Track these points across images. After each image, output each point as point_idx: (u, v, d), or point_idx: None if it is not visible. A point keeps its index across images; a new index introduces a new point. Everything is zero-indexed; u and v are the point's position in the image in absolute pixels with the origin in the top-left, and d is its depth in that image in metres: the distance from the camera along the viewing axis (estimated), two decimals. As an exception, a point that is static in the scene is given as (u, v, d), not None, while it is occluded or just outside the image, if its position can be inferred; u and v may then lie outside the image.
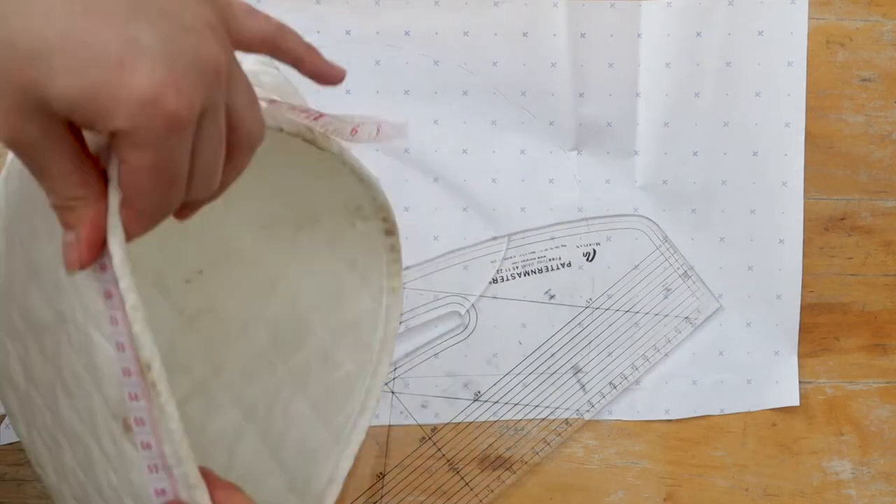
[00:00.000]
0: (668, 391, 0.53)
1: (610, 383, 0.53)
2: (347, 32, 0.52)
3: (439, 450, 0.52)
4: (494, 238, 0.53)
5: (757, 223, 0.52)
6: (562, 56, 0.53)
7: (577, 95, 0.53)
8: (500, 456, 0.52)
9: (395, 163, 0.52)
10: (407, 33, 0.52)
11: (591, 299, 0.53)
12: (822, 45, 0.55)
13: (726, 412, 0.53)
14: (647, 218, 0.53)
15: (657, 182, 0.53)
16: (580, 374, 0.53)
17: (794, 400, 0.53)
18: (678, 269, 0.53)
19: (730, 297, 0.53)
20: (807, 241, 0.55)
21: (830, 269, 0.54)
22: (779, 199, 0.52)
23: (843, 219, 0.55)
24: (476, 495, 0.52)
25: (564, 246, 0.53)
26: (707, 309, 0.53)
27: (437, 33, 0.52)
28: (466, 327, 0.52)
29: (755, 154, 0.52)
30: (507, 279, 0.53)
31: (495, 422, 0.52)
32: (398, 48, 0.52)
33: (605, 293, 0.53)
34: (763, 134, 0.52)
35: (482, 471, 0.52)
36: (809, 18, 0.55)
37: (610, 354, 0.53)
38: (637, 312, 0.53)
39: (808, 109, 0.55)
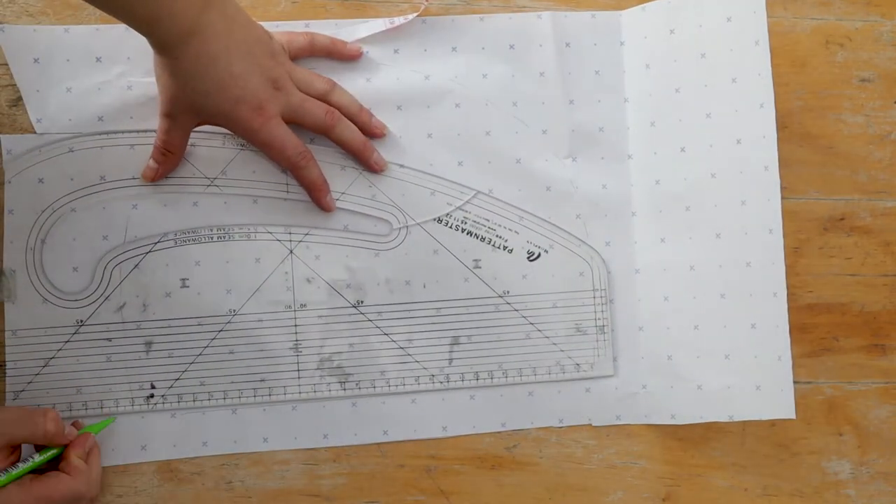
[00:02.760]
0: (672, 395, 0.53)
1: (476, 373, 0.53)
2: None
3: (295, 326, 0.52)
4: (464, 187, 0.53)
5: (748, 214, 0.52)
6: (549, 65, 0.54)
7: (567, 103, 0.54)
8: (342, 367, 0.52)
9: (391, 179, 0.53)
10: (396, 51, 0.53)
11: (507, 292, 0.53)
12: (821, 46, 0.55)
13: (735, 419, 0.51)
14: (602, 259, 0.53)
15: (650, 183, 0.54)
16: (455, 347, 0.53)
17: (790, 412, 0.50)
18: (599, 319, 0.53)
19: (733, 297, 0.52)
20: (806, 241, 0.55)
21: (829, 269, 0.55)
22: (763, 185, 0.51)
23: (842, 219, 0.55)
24: (299, 384, 0.51)
25: (517, 233, 0.53)
26: (600, 369, 0.53)
27: (425, 50, 0.53)
28: (389, 242, 0.52)
29: (738, 142, 0.52)
30: (451, 226, 0.53)
31: (361, 337, 0.52)
32: (389, 65, 0.53)
33: (523, 295, 0.53)
34: (742, 120, 0.52)
35: (319, 368, 0.52)
36: (808, 19, 0.55)
37: (489, 348, 0.53)
38: (539, 331, 0.53)
39: (808, 109, 0.55)
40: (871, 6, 0.55)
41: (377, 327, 0.52)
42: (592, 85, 0.54)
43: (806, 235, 0.55)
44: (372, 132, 0.52)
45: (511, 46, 0.54)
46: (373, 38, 0.53)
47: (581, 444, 0.53)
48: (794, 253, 0.54)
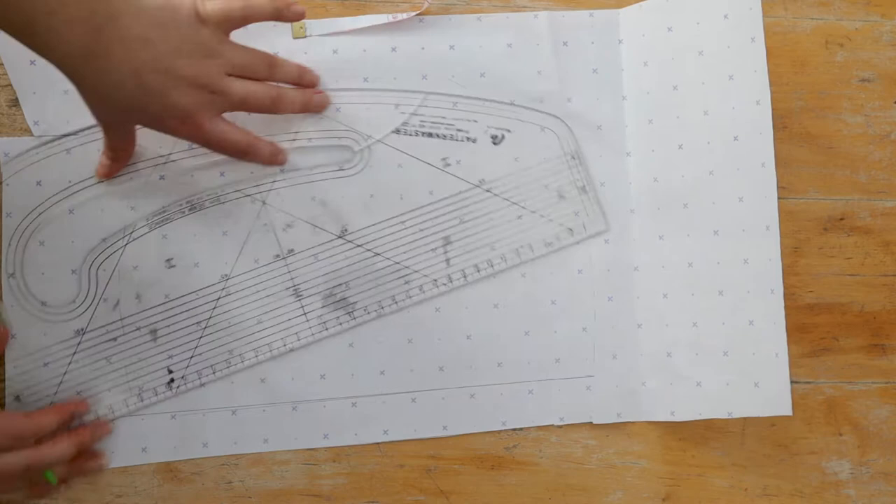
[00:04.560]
0: (672, 392, 0.53)
1: (475, 265, 0.53)
2: (335, 52, 0.53)
3: (289, 272, 0.52)
4: (413, 92, 0.53)
5: (746, 211, 0.51)
6: (547, 64, 0.54)
7: (565, 101, 0.54)
8: (346, 298, 0.52)
9: (392, 175, 0.53)
10: (394, 49, 0.53)
11: (483, 180, 0.53)
12: (821, 46, 0.55)
13: (734, 416, 0.51)
14: (565, 124, 0.53)
15: (648, 180, 0.54)
16: (448, 247, 0.53)
17: (786, 409, 0.50)
18: (578, 181, 0.53)
19: (731, 294, 0.52)
20: (806, 241, 0.55)
21: (829, 269, 0.55)
22: (759, 182, 0.51)
23: (842, 219, 0.55)
24: (309, 326, 0.52)
25: (476, 122, 0.53)
26: (593, 227, 0.53)
27: (423, 48, 0.53)
28: (354, 166, 0.52)
29: (736, 139, 0.52)
30: (410, 134, 0.53)
31: (355, 263, 0.52)
32: (386, 64, 0.53)
33: (499, 178, 0.53)
34: (739, 117, 0.52)
35: (324, 306, 0.52)
36: (808, 19, 0.55)
37: (481, 238, 0.53)
38: (524, 208, 0.53)
39: (808, 109, 0.55)
40: (871, 6, 0.55)
41: (368, 250, 0.52)
42: (590, 83, 0.54)
43: (806, 235, 0.55)
44: (304, 78, 0.51)
45: (509, 45, 0.54)
46: (370, 37, 0.53)
47: (581, 444, 0.53)
48: (793, 253, 0.54)
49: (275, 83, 0.50)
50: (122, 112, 0.45)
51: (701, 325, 0.52)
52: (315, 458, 0.52)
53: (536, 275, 0.53)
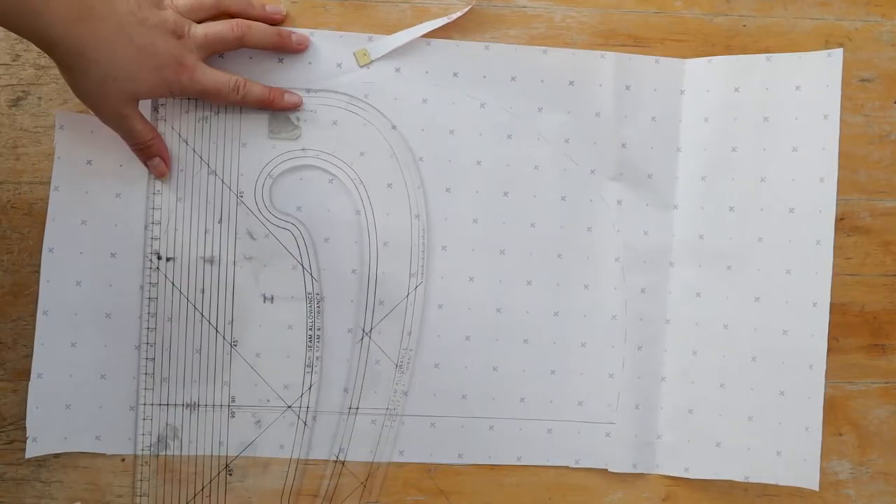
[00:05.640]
0: (689, 449, 0.53)
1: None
2: (397, 70, 0.52)
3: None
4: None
5: (793, 284, 0.51)
6: (606, 106, 0.53)
7: (619, 146, 0.53)
8: None
9: (438, 199, 0.52)
10: (455, 74, 0.52)
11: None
12: (821, 46, 0.55)
13: (751, 480, 0.51)
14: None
15: (693, 236, 0.53)
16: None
17: (813, 483, 0.50)
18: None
19: (764, 361, 0.52)
20: (806, 242, 0.54)
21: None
22: (812, 259, 0.51)
23: (842, 219, 0.55)
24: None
25: None
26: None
27: (485, 77, 0.53)
28: None
29: (791, 211, 0.51)
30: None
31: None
32: (446, 88, 0.52)
33: None
34: (799, 190, 0.51)
35: None
36: (808, 19, 0.55)
37: None
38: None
39: (808, 109, 0.55)
40: (871, 6, 0.55)
41: None
42: (647, 131, 0.53)
43: (806, 235, 0.54)
44: (272, 19, 0.51)
45: (571, 83, 0.53)
46: (434, 60, 0.52)
47: (581, 444, 0.53)
48: (794, 253, 0.54)
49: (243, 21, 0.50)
50: (124, 81, 0.46)
51: (728, 388, 0.52)
52: (315, 459, 0.52)
53: (570, 316, 0.53)
